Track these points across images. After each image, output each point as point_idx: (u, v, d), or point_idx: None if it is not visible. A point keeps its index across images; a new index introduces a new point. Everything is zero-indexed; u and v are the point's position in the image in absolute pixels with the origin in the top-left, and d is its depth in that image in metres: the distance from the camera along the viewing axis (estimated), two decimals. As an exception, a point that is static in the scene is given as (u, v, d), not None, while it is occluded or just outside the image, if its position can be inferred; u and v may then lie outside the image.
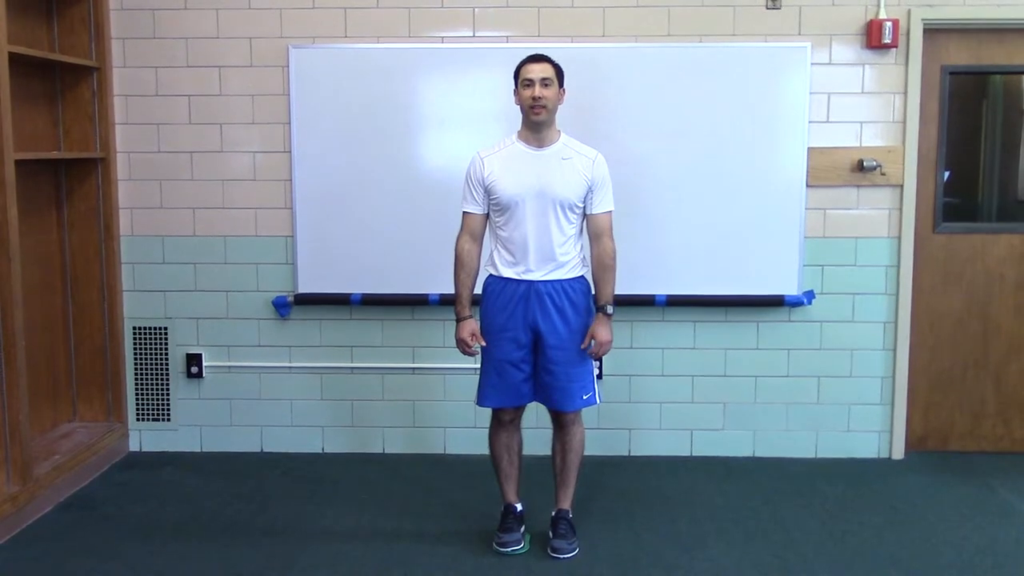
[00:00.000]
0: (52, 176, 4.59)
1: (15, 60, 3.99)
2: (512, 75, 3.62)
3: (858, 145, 4.62)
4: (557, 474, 3.80)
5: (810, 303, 4.68)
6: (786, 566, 3.60)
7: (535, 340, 3.64)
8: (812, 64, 4.56)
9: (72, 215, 4.66)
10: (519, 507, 3.82)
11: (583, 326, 3.65)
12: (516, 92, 3.60)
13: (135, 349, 4.83)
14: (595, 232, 3.63)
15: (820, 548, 3.76)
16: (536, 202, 3.55)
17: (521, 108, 3.60)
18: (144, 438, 4.88)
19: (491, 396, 3.70)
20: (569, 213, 3.59)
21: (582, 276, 3.68)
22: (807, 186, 4.62)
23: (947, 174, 4.75)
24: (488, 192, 3.62)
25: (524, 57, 3.61)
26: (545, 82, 3.51)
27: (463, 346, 3.69)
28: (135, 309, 4.80)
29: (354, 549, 3.74)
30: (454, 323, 4.37)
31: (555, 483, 3.82)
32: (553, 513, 3.81)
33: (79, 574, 3.53)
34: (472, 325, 3.66)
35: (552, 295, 3.61)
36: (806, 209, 4.63)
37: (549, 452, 3.82)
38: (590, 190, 3.59)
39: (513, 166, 3.58)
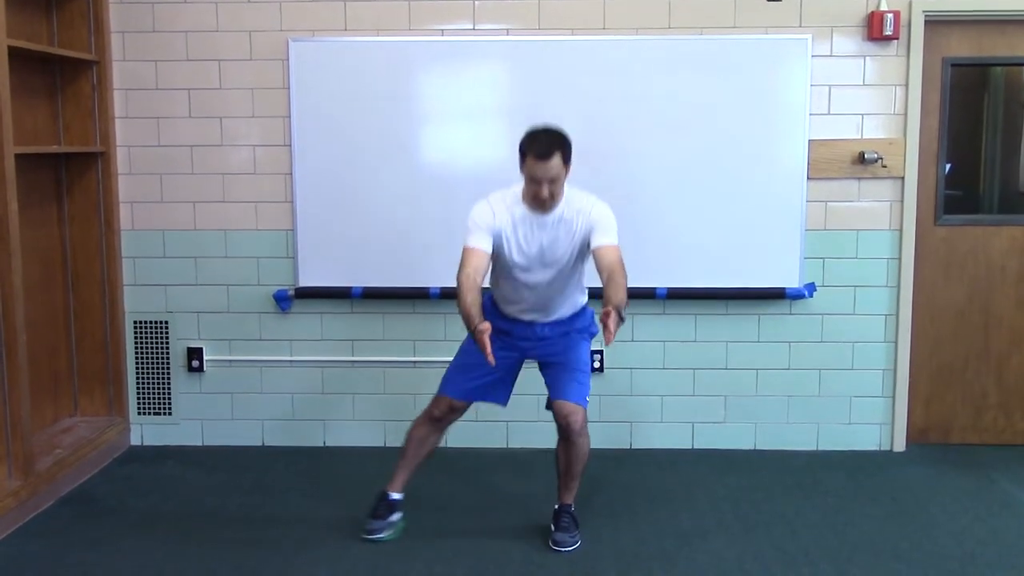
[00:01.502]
0: (52, 171, 4.58)
1: (15, 54, 3.98)
2: (518, 147, 3.48)
3: (859, 137, 4.61)
4: (561, 475, 3.80)
5: (811, 296, 4.68)
6: (788, 558, 3.60)
7: (524, 355, 3.77)
8: (813, 56, 4.54)
9: (72, 209, 4.65)
10: (396, 496, 3.83)
11: (583, 340, 3.74)
12: (521, 168, 3.47)
13: (136, 343, 4.83)
14: (602, 266, 3.44)
15: (821, 540, 3.76)
16: (538, 267, 3.57)
17: (525, 188, 3.50)
18: (145, 432, 4.89)
19: (450, 384, 3.74)
20: (571, 266, 3.60)
21: (584, 307, 3.76)
22: (808, 178, 4.61)
23: (948, 166, 4.74)
24: (495, 240, 3.53)
25: (530, 136, 3.45)
26: (552, 180, 3.42)
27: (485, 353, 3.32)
28: (136, 303, 4.79)
29: (353, 544, 3.73)
30: (455, 316, 4.37)
31: (559, 482, 3.81)
32: (555, 507, 3.81)
33: (81, 568, 3.53)
34: (486, 326, 3.29)
35: (551, 335, 3.70)
36: (807, 201, 4.62)
37: (551, 445, 3.81)
38: (590, 231, 3.51)
39: (518, 231, 3.54)
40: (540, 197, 3.44)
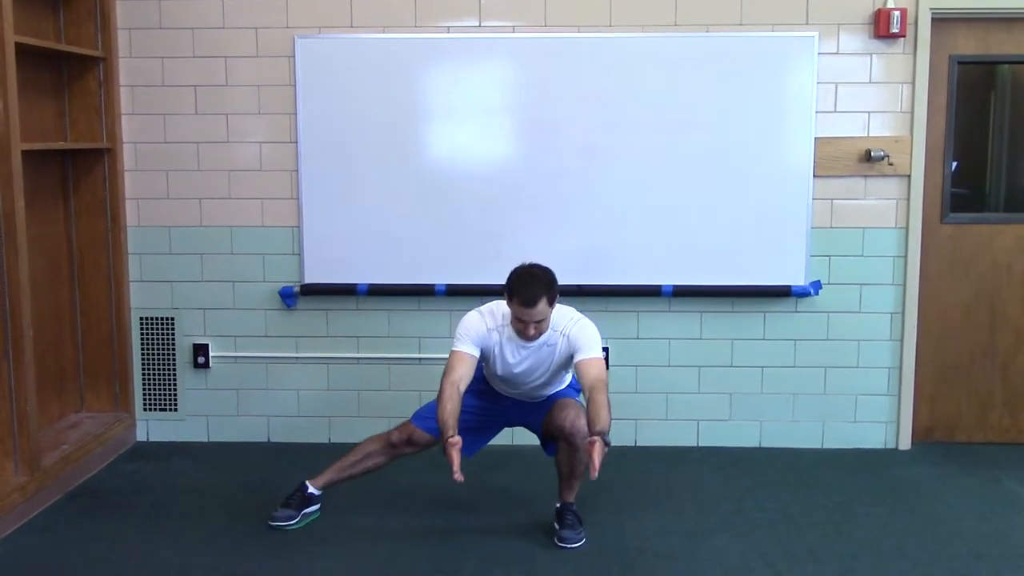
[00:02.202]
0: (59, 167, 4.59)
1: (22, 51, 3.99)
2: (505, 288, 3.59)
3: (865, 135, 4.60)
4: (564, 477, 3.79)
5: (817, 293, 4.67)
6: (792, 557, 3.60)
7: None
8: (819, 54, 4.54)
9: (79, 206, 4.67)
10: (315, 492, 3.86)
11: (563, 392, 3.85)
12: (508, 302, 3.56)
13: (142, 339, 4.84)
14: (586, 384, 3.53)
15: (826, 539, 3.76)
16: (522, 381, 3.72)
17: (512, 323, 3.60)
18: (151, 428, 4.90)
19: (425, 419, 3.78)
20: (553, 377, 3.75)
21: (570, 383, 3.88)
22: (814, 176, 4.60)
23: (955, 164, 4.74)
24: (485, 353, 3.68)
25: (517, 279, 3.53)
26: (539, 322, 3.53)
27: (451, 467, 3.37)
28: (142, 299, 4.81)
29: (359, 539, 3.75)
30: (461, 313, 4.40)
31: (560, 483, 3.80)
32: (558, 505, 3.81)
33: (87, 562, 3.54)
34: (457, 440, 3.38)
35: (538, 403, 3.83)
36: (813, 199, 4.62)
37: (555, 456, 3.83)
38: (572, 349, 3.60)
39: (505, 351, 3.66)
40: (526, 335, 3.56)
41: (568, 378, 3.85)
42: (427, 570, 3.51)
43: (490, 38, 4.56)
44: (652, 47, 4.55)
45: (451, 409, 3.46)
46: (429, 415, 3.72)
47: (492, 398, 3.86)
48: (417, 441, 3.80)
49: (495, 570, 3.50)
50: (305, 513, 3.84)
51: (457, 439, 3.38)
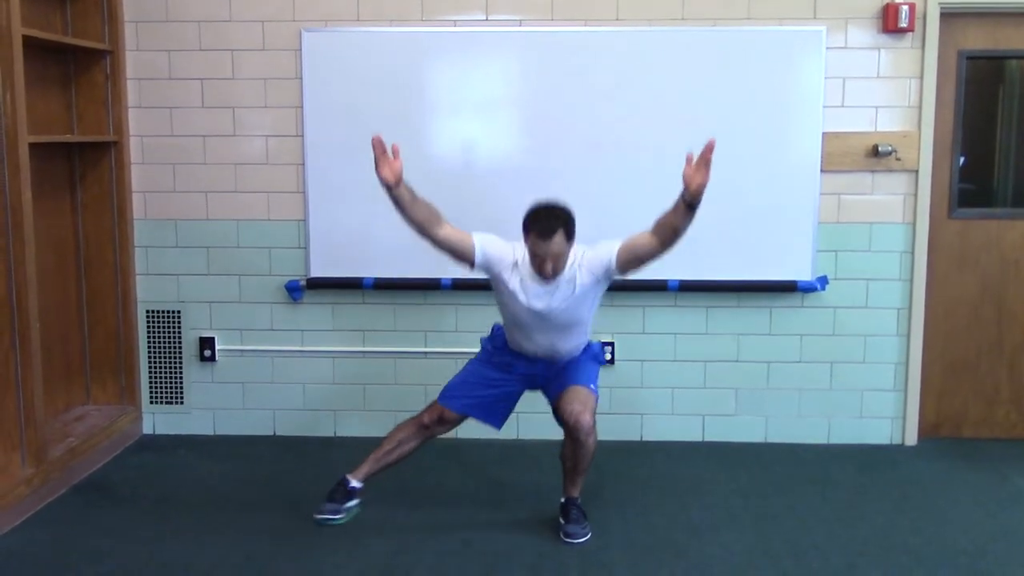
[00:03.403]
0: (66, 160, 4.60)
1: (29, 44, 3.98)
2: (522, 223, 3.58)
3: (873, 130, 4.59)
4: (568, 472, 3.79)
5: (823, 289, 4.66)
6: (798, 552, 3.59)
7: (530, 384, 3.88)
8: (827, 48, 4.52)
9: (86, 199, 4.67)
10: (356, 484, 3.83)
11: (586, 360, 3.82)
12: (526, 240, 3.54)
13: (148, 332, 4.84)
14: (641, 247, 3.55)
15: (831, 534, 3.75)
16: (544, 324, 3.66)
17: (530, 258, 3.57)
18: (157, 421, 4.91)
19: (451, 394, 3.80)
20: (576, 322, 3.70)
21: (588, 344, 3.85)
22: (821, 171, 4.59)
23: (962, 159, 4.72)
24: (493, 275, 3.67)
25: (534, 213, 3.53)
26: (555, 256, 3.50)
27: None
28: (148, 293, 4.81)
29: (363, 533, 3.74)
30: (467, 307, 4.43)
31: (564, 477, 3.81)
32: (563, 500, 3.81)
33: (93, 555, 3.55)
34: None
35: (557, 367, 3.79)
36: (820, 194, 4.61)
37: (560, 436, 3.80)
38: (605, 272, 3.59)
39: (527, 290, 3.61)
40: (543, 271, 3.53)
41: (587, 332, 3.79)
42: (431, 564, 3.51)
43: (497, 31, 4.55)
44: (659, 41, 4.54)
45: (424, 211, 3.56)
46: (456, 393, 3.78)
47: (512, 368, 3.80)
48: (448, 419, 3.80)
49: (500, 565, 3.50)
50: (348, 507, 3.81)
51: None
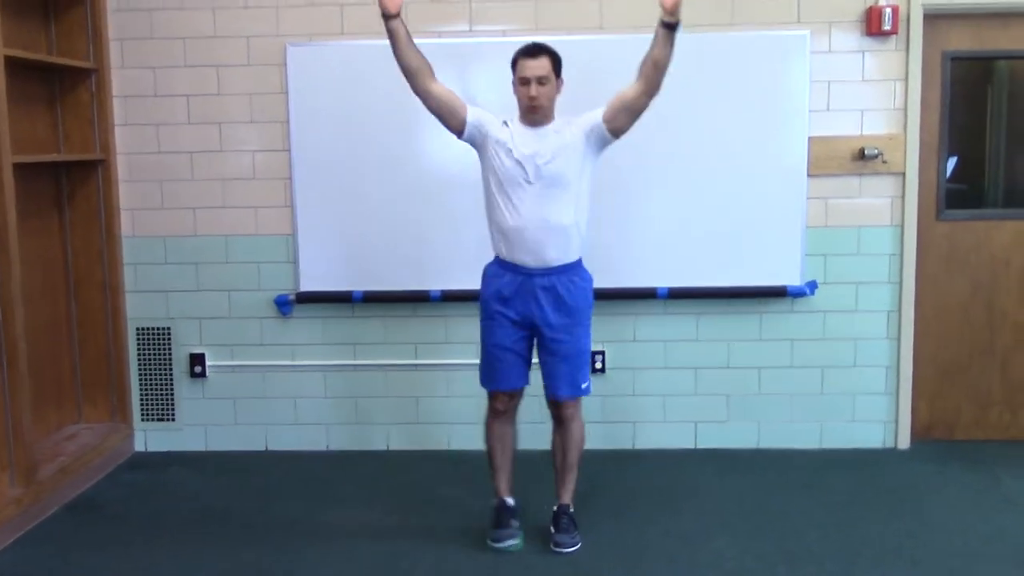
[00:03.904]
0: (53, 179, 4.60)
1: (14, 64, 4.01)
2: (510, 64, 3.59)
3: (859, 133, 4.59)
4: (557, 470, 3.80)
5: (813, 293, 4.66)
6: (791, 558, 3.58)
7: (532, 327, 3.66)
8: (812, 52, 4.53)
9: (74, 217, 4.67)
10: (511, 501, 3.81)
11: (580, 315, 3.67)
12: (513, 80, 3.59)
13: (139, 350, 4.84)
14: (627, 94, 3.57)
15: (825, 539, 3.74)
16: (532, 183, 3.53)
17: (518, 99, 3.59)
18: (149, 438, 4.90)
19: (486, 378, 3.75)
20: (565, 193, 3.56)
21: (579, 261, 3.67)
22: (808, 175, 4.59)
23: (954, 160, 4.72)
24: (481, 137, 3.61)
25: (521, 47, 3.59)
26: (541, 80, 3.51)
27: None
28: (138, 310, 4.81)
29: (357, 547, 3.74)
30: (456, 319, 4.43)
31: (555, 478, 3.81)
32: (554, 508, 3.80)
33: (84, 573, 3.54)
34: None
35: (548, 288, 3.60)
36: (807, 199, 4.61)
37: (548, 447, 3.82)
38: (591, 129, 3.58)
39: (514, 137, 3.58)
40: (530, 96, 3.51)
41: (580, 232, 3.62)
42: (426, 573, 3.50)
43: (481, 42, 4.56)
44: (643, 48, 4.51)
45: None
46: (491, 376, 3.71)
47: (508, 313, 3.63)
48: (510, 396, 3.73)
49: (489, 574, 3.49)
50: (516, 526, 3.75)
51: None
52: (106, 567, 3.60)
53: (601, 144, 3.63)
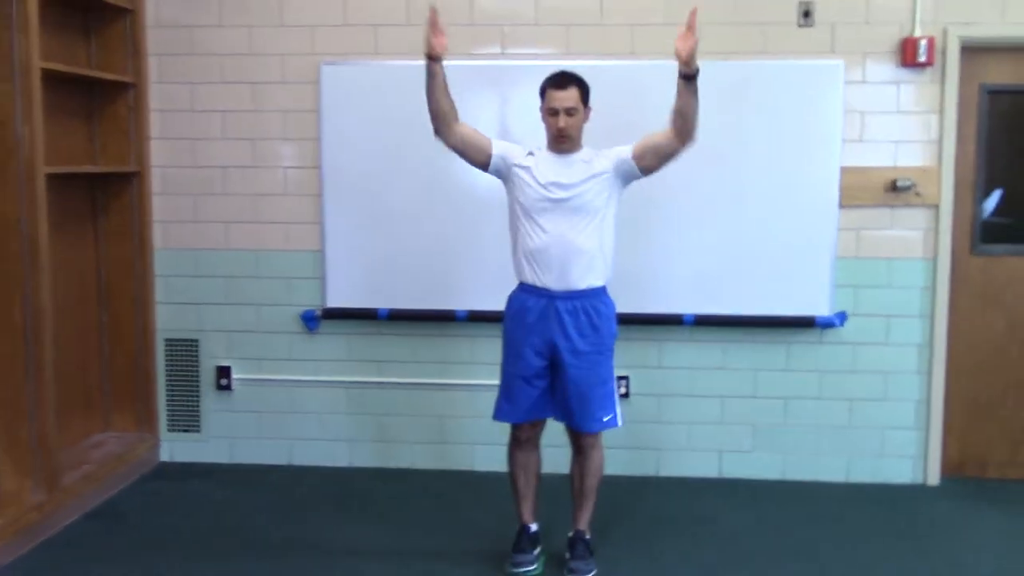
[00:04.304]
0: (88, 190, 4.68)
1: (53, 77, 4.09)
2: (539, 92, 3.60)
3: (892, 165, 4.53)
4: (575, 496, 3.77)
5: (842, 324, 4.60)
6: (807, 594, 3.53)
7: (554, 356, 3.61)
8: (846, 83, 4.49)
9: (107, 228, 4.74)
10: (534, 527, 3.79)
11: (602, 345, 3.62)
12: (542, 108, 3.59)
13: (167, 361, 4.89)
14: (658, 138, 3.56)
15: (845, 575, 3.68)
16: (558, 209, 3.53)
17: (546, 128, 3.60)
18: (175, 449, 4.94)
19: (503, 410, 3.70)
20: (592, 221, 3.55)
21: (604, 289, 3.65)
22: (840, 206, 4.54)
23: (998, 193, 4.64)
24: (507, 168, 3.62)
25: (550, 75, 3.59)
26: (569, 111, 3.51)
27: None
28: (167, 321, 4.86)
29: (370, 567, 3.74)
30: (482, 338, 4.42)
31: (573, 504, 3.79)
32: (571, 534, 3.77)
33: (98, 583, 3.59)
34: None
35: (572, 313, 3.58)
36: (839, 229, 4.55)
37: (568, 471, 3.79)
38: (619, 162, 3.58)
39: (540, 164, 3.59)
40: (558, 127, 3.52)
41: (604, 274, 3.61)
42: (435, 598, 3.50)
43: (513, 65, 4.57)
44: (674, 75, 4.51)
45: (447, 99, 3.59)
46: (507, 409, 3.68)
47: (529, 340, 3.59)
48: (532, 425, 3.71)
49: (502, 600, 3.49)
50: (536, 554, 3.74)
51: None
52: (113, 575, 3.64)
53: (629, 178, 3.64)
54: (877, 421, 4.68)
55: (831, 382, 4.67)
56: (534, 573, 3.69)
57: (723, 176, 4.55)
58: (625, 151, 3.58)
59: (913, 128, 4.52)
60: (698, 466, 4.76)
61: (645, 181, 4.39)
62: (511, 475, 3.79)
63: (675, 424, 4.75)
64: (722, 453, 4.75)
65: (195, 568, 3.71)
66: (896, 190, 4.50)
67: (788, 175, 4.54)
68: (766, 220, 4.56)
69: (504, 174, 3.65)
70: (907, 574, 3.71)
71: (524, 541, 3.75)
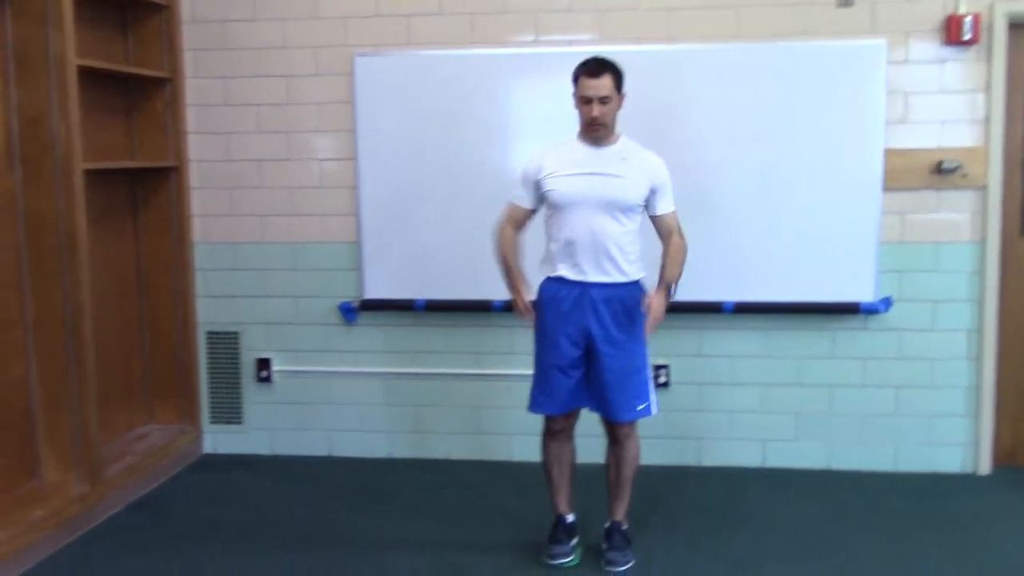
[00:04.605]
0: (127, 185, 4.72)
1: (91, 74, 4.14)
2: (572, 78, 3.53)
3: (938, 146, 4.41)
4: (611, 486, 3.73)
5: (887, 310, 4.49)
6: (845, 586, 3.45)
7: (588, 345, 3.57)
8: (888, 62, 4.37)
9: (147, 223, 4.79)
10: (570, 518, 3.76)
11: (637, 333, 3.56)
12: (575, 95, 3.53)
13: (209, 354, 4.93)
14: (664, 231, 3.59)
15: (886, 570, 3.59)
16: (592, 204, 3.49)
17: (579, 114, 3.54)
18: (218, 441, 4.99)
19: (538, 402, 3.67)
20: (626, 215, 3.51)
21: (638, 282, 3.60)
22: (884, 189, 4.43)
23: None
24: (540, 189, 3.56)
25: (583, 62, 3.51)
26: (603, 100, 3.44)
27: (521, 313, 3.64)
28: (208, 315, 4.90)
29: (404, 558, 3.73)
30: (519, 329, 4.35)
31: (609, 495, 3.74)
32: (607, 525, 3.73)
33: (133, 572, 3.62)
34: (524, 283, 3.62)
35: (607, 302, 3.54)
36: (883, 213, 4.44)
37: (603, 460, 3.75)
38: (652, 192, 3.53)
39: (570, 164, 3.53)
40: (591, 116, 3.45)
41: (638, 268, 3.57)
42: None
43: (547, 52, 4.52)
44: (713, 58, 4.45)
45: (510, 248, 3.63)
46: (542, 400, 3.65)
47: (564, 329, 3.55)
48: (566, 416, 3.67)
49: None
50: (573, 545, 3.71)
51: (522, 279, 3.62)
52: (154, 567, 3.68)
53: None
54: (925, 409, 4.56)
55: (876, 369, 4.57)
56: (571, 564, 3.66)
57: (764, 161, 4.46)
58: (657, 187, 3.55)
59: (959, 108, 4.39)
60: (741, 455, 4.69)
61: (684, 165, 4.34)
62: (545, 466, 3.76)
63: (716, 413, 4.68)
64: (765, 442, 4.68)
65: (234, 559, 3.73)
66: (942, 172, 4.38)
67: (830, 159, 4.44)
68: (808, 205, 4.46)
69: (540, 188, 3.59)
70: (945, 568, 3.61)
71: (560, 532, 3.72)
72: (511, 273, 3.62)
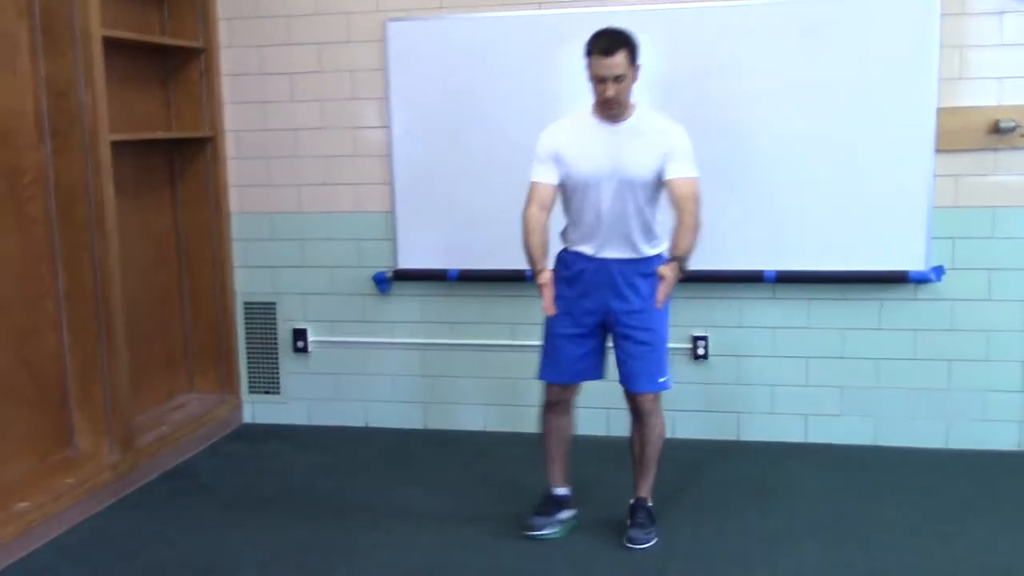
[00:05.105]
0: (165, 156, 4.75)
1: (127, 45, 4.16)
2: (584, 51, 3.35)
3: (995, 104, 4.15)
4: (636, 463, 3.63)
5: (939, 280, 4.26)
6: (877, 570, 3.29)
7: (608, 319, 3.48)
8: (942, 15, 4.11)
9: (185, 194, 4.81)
10: (559, 492, 3.69)
11: (659, 311, 3.45)
12: (587, 68, 3.36)
13: (247, 324, 4.95)
14: (675, 198, 3.36)
15: (924, 552, 3.41)
16: (609, 182, 3.39)
17: (592, 91, 3.39)
18: (257, 411, 5.02)
19: (545, 369, 3.60)
20: (644, 192, 3.41)
21: (660, 255, 3.48)
22: (936, 151, 4.19)
23: None
24: (559, 165, 3.44)
25: (594, 37, 3.33)
26: (618, 79, 3.28)
27: (545, 304, 3.48)
28: (246, 284, 4.92)
29: (420, 530, 3.69)
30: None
31: (633, 472, 3.65)
32: (631, 501, 3.64)
33: (158, 543, 3.64)
34: (547, 275, 3.46)
35: (625, 274, 3.44)
36: (935, 176, 4.21)
37: (629, 433, 3.65)
38: (665, 158, 3.37)
39: (586, 142, 3.41)
40: (605, 96, 3.31)
41: (659, 242, 3.50)
42: (487, 563, 3.43)
43: (584, 12, 4.35)
44: (755, 15, 4.25)
45: (535, 242, 3.45)
46: (551, 369, 3.58)
47: (580, 303, 3.50)
48: (562, 388, 3.62)
49: (554, 565, 3.39)
50: (558, 519, 3.67)
51: (548, 275, 3.45)
52: (179, 538, 3.69)
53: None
54: (978, 383, 4.34)
55: (927, 341, 4.36)
56: (552, 536, 3.59)
57: (808, 120, 4.26)
58: (672, 155, 3.37)
59: (1018, 63, 4.12)
60: (782, 431, 4.53)
61: (724, 127, 4.16)
62: (542, 438, 3.71)
63: (757, 386, 4.53)
64: (808, 417, 4.51)
65: (247, 530, 3.74)
66: (999, 132, 4.13)
67: (879, 118, 4.22)
68: (855, 167, 4.25)
69: (562, 162, 3.46)
70: (987, 552, 3.42)
71: (547, 504, 3.66)
72: (535, 266, 3.47)
